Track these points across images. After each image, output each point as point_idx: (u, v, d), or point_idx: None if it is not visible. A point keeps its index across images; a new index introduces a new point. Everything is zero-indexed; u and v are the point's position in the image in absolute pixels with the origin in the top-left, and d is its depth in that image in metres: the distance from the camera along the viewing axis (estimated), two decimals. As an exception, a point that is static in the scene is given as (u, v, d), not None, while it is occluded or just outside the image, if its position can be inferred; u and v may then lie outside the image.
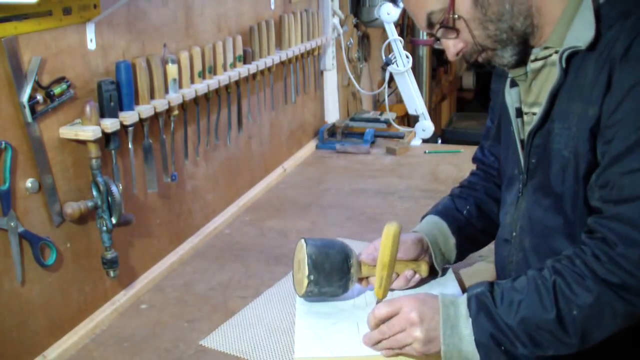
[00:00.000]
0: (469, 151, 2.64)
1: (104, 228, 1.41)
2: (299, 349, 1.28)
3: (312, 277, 1.33)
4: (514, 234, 1.25)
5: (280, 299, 1.51)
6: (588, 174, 1.09)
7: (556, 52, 1.12)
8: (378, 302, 1.27)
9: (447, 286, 1.47)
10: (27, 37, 1.22)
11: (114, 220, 1.40)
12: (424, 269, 1.43)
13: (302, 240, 1.38)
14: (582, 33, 1.07)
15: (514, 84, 1.23)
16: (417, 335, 1.13)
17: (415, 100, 2.86)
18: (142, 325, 1.44)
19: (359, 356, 1.25)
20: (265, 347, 1.31)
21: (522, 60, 1.16)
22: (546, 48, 1.14)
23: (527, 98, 1.21)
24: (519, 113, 1.23)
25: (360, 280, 1.42)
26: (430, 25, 1.16)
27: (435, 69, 4.38)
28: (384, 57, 2.85)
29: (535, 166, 1.19)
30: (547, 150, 1.15)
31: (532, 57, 1.16)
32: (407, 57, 2.81)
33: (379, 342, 1.19)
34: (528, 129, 1.19)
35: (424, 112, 2.86)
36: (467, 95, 5.73)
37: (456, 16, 1.12)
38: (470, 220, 1.46)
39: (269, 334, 1.36)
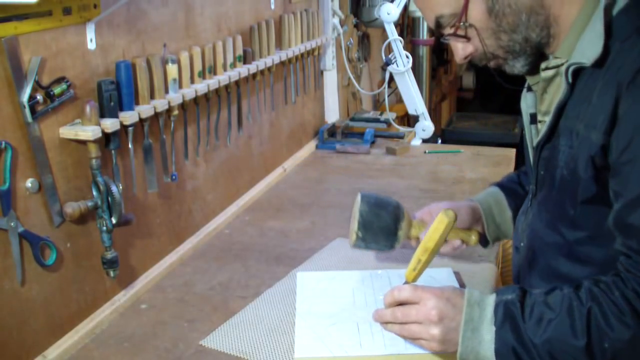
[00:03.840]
0: (469, 151, 2.64)
1: (104, 228, 1.41)
2: (299, 349, 1.28)
3: (359, 234, 1.35)
4: (522, 243, 1.23)
5: (280, 299, 1.51)
6: (590, 200, 1.05)
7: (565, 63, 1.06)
8: (405, 283, 1.23)
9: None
10: (27, 37, 1.22)
11: (114, 220, 1.40)
12: (473, 239, 1.39)
13: (359, 195, 1.38)
14: (588, 48, 1.01)
15: (530, 88, 1.19)
16: (434, 334, 1.09)
17: (415, 100, 2.86)
18: (142, 325, 1.44)
19: (359, 356, 1.25)
20: (265, 347, 1.31)
21: (535, 68, 1.11)
22: (557, 57, 1.09)
23: (540, 106, 1.15)
24: (534, 119, 1.17)
25: (408, 239, 1.38)
26: (439, 27, 1.11)
27: (435, 68, 4.37)
28: (384, 57, 2.85)
29: (542, 179, 1.15)
30: (551, 166, 1.11)
31: (542, 66, 1.10)
32: (407, 57, 2.81)
33: (389, 323, 1.16)
34: (536, 140, 1.14)
35: (424, 112, 2.86)
36: (467, 95, 5.72)
37: (468, 24, 1.07)
38: None
39: (269, 334, 1.36)
